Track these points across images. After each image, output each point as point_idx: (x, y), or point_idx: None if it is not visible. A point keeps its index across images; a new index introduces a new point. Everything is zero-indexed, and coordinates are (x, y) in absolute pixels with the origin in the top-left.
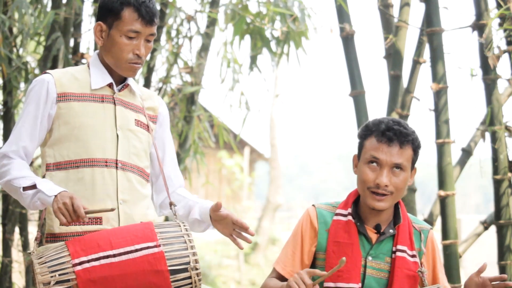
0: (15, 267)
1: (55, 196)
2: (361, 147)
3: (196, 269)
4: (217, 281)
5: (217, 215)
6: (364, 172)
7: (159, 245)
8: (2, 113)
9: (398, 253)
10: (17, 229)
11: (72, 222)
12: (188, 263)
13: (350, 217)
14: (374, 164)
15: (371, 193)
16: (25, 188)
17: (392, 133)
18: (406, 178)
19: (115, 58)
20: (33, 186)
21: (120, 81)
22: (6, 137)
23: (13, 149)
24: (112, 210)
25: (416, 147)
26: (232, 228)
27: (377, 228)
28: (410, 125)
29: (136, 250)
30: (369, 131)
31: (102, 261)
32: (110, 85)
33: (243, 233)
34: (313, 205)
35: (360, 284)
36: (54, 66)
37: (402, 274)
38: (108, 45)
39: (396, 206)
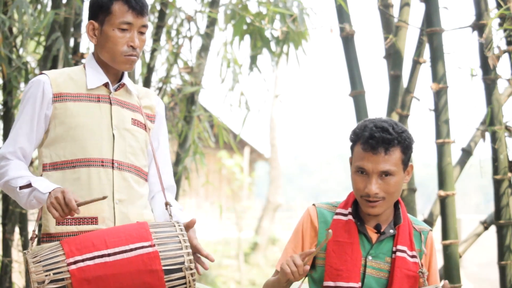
0: (15, 267)
1: (49, 193)
2: (352, 152)
3: (191, 269)
4: (217, 281)
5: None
6: (355, 181)
7: (154, 245)
8: (2, 113)
9: (398, 253)
10: (17, 229)
11: (66, 216)
12: (183, 263)
13: (350, 217)
14: (363, 173)
15: (364, 200)
16: (21, 187)
17: (374, 141)
18: (397, 181)
19: (111, 53)
20: (29, 185)
21: (116, 80)
22: (6, 137)
23: (10, 151)
24: (104, 198)
25: (405, 148)
26: (192, 252)
27: (377, 228)
28: (399, 124)
29: (131, 250)
30: (356, 137)
31: (97, 261)
32: (106, 85)
33: (202, 258)
34: (313, 204)
35: (360, 284)
36: (54, 66)
37: (401, 274)
38: (102, 41)
39: (397, 207)
